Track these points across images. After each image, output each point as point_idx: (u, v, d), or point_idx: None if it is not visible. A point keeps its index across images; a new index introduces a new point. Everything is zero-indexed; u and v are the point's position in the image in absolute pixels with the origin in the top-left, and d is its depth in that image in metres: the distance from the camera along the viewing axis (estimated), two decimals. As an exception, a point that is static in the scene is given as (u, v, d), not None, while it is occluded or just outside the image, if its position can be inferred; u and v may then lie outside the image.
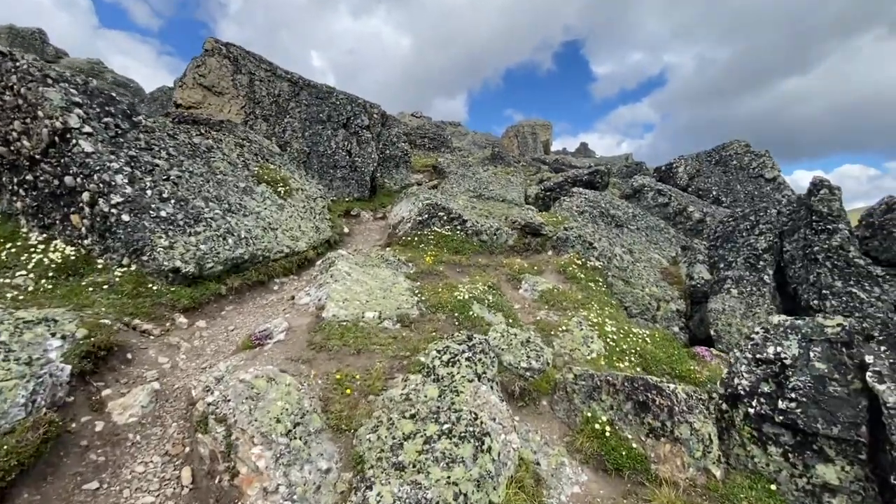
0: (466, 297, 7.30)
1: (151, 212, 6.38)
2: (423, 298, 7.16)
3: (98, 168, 6.13)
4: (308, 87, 15.05)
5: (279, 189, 9.52)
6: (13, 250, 6.08)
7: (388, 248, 9.93)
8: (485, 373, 5.05)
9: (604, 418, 5.14)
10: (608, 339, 7.15)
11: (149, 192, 6.52)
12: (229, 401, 3.90)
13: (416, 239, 10.03)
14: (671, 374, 6.78)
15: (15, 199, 6.39)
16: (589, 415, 5.24)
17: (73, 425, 3.92)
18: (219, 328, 6.20)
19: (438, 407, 4.24)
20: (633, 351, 7.08)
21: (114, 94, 7.14)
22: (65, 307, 5.45)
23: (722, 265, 11.10)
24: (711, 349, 8.41)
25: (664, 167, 26.20)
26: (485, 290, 7.89)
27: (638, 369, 6.72)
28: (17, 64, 6.00)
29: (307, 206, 10.07)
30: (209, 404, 3.90)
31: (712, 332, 9.35)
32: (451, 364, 4.96)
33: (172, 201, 6.75)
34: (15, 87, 6.00)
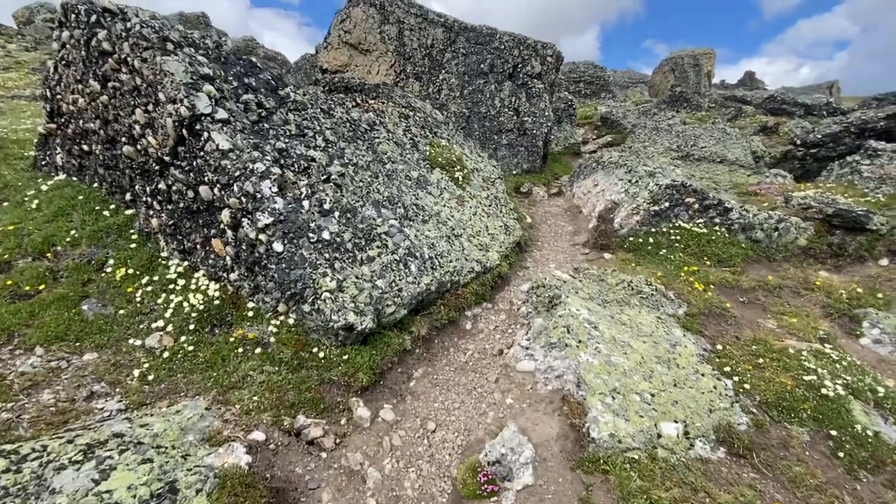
0: (830, 385, 3.90)
1: (311, 234, 4.23)
2: (740, 382, 3.98)
3: (238, 172, 4.10)
4: (465, 31, 12.06)
5: (456, 174, 6.95)
6: (150, 289, 4.50)
7: (607, 255, 6.81)
8: None
9: None
10: None
11: (305, 203, 4.37)
12: None
13: (650, 241, 6.69)
14: None
15: (151, 213, 4.82)
16: None
17: None
18: (413, 424, 3.92)
19: None
20: None
21: (254, 60, 5.07)
22: (205, 393, 3.64)
23: None
24: None
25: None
26: (834, 362, 4.37)
27: None
28: (129, 25, 4.13)
29: (490, 195, 7.38)
30: None
31: None
32: None
33: (336, 214, 4.54)
34: (129, 59, 4.18)
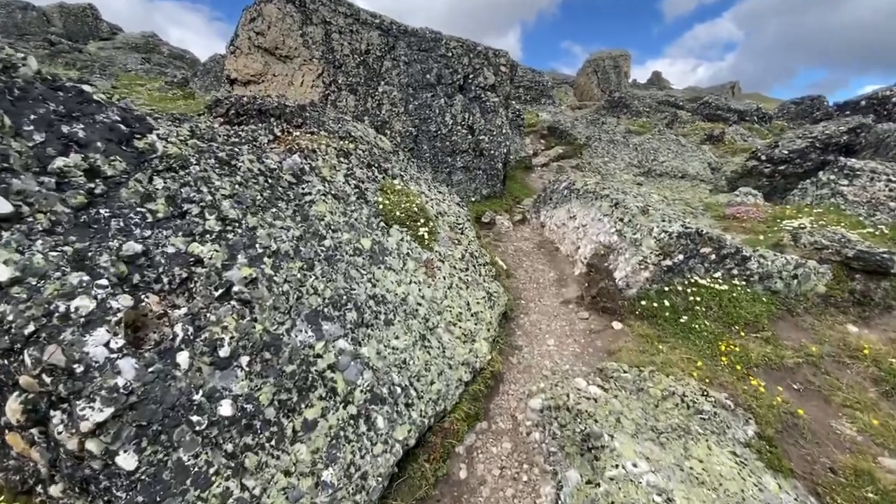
0: None
1: (195, 417, 2.32)
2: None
3: (32, 326, 2.09)
4: (405, 34, 10.29)
5: (420, 231, 5.21)
6: None
7: (616, 324, 5.42)
8: None
9: None
10: None
11: (182, 356, 2.43)
12: None
13: (665, 304, 5.39)
14: None
15: None
16: None
17: None
18: None
19: None
20: None
21: (87, 90, 2.99)
22: None
23: None
24: None
25: (868, 101, 18.81)
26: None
27: None
28: None
29: (463, 251, 5.73)
30: None
31: None
32: None
33: (244, 360, 2.65)
34: None
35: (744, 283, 5.69)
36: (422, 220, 5.31)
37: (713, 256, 5.62)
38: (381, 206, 4.99)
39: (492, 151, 10.31)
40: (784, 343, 5.16)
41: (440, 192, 7.15)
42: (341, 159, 5.15)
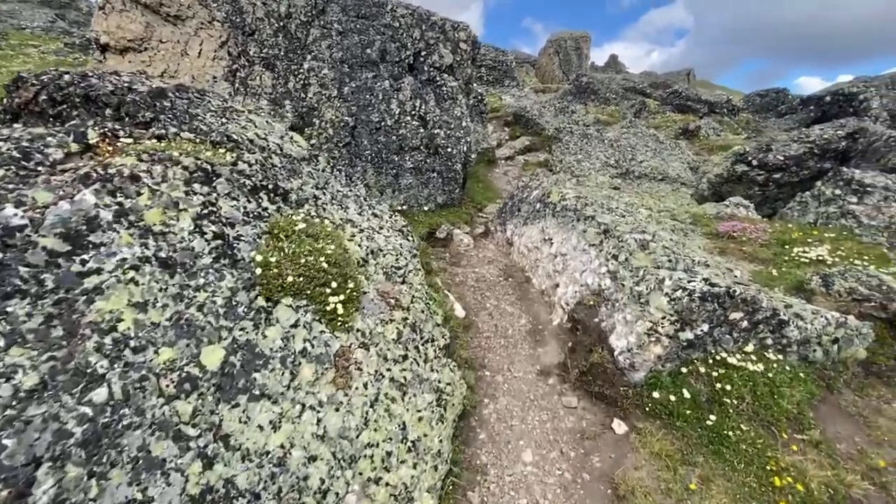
0: None
1: None
2: None
3: None
4: (340, -4, 8.06)
5: (330, 301, 3.30)
6: None
7: (618, 426, 3.82)
8: None
9: None
10: None
11: None
12: None
13: (685, 397, 3.84)
14: None
15: None
16: None
17: None
18: None
19: None
20: None
21: None
22: None
23: None
24: None
25: (833, 96, 18.36)
26: None
27: None
28: None
29: (404, 319, 3.87)
30: None
31: None
32: None
33: None
34: None
35: (779, 355, 4.25)
36: (336, 280, 3.40)
37: (744, 324, 4.11)
38: (261, 269, 3.04)
39: (449, 149, 8.41)
40: (839, 449, 3.76)
41: (376, 215, 5.22)
42: (196, 187, 3.11)
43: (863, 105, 16.36)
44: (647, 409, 3.85)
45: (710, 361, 4.02)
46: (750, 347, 4.13)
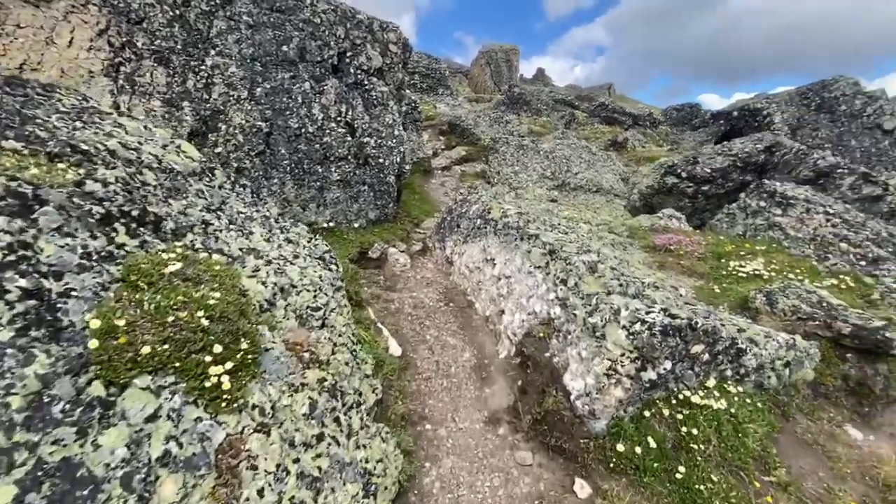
0: None
1: None
2: None
3: None
4: (250, -16, 7.05)
5: (212, 372, 2.42)
6: None
7: (580, 488, 3.27)
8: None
9: None
10: None
11: None
12: None
13: (651, 446, 3.40)
14: None
15: None
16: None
17: None
18: None
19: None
20: None
21: None
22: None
23: None
24: None
25: (740, 111, 19.98)
26: None
27: None
28: None
29: (317, 388, 3.06)
30: None
31: None
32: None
33: None
34: None
35: (738, 386, 3.97)
36: (222, 342, 2.53)
37: (705, 356, 3.78)
38: (99, 340, 2.11)
39: (381, 159, 7.65)
40: (807, 489, 3.50)
41: (290, 240, 4.34)
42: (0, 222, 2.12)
43: (766, 120, 17.90)
44: (611, 464, 3.35)
45: (674, 401, 3.63)
46: (711, 382, 3.80)
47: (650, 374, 3.53)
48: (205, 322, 2.54)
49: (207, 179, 4.10)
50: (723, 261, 6.78)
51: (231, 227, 3.82)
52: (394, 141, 7.78)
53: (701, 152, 9.71)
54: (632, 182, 12.23)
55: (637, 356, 3.55)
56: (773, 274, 6.00)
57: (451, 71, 47.83)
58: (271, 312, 3.27)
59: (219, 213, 3.84)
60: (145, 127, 4.16)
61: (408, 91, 14.20)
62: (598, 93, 51.69)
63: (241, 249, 3.63)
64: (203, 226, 3.50)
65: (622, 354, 3.58)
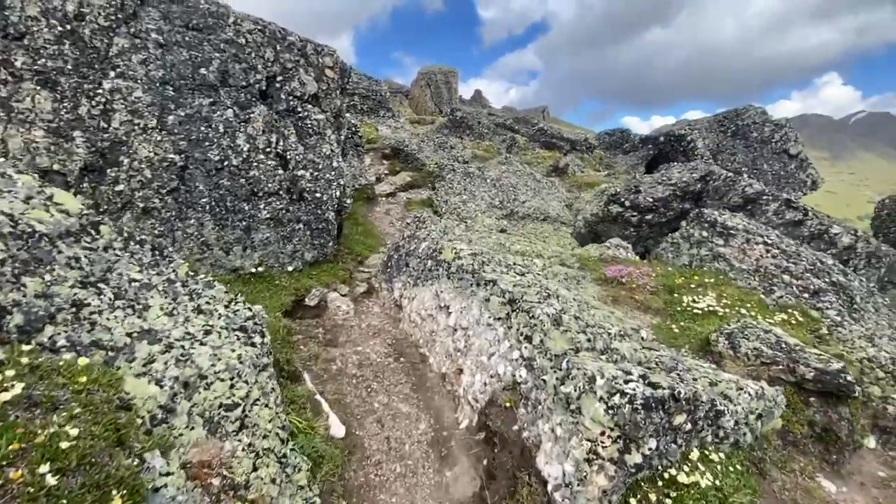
0: None
1: None
2: None
3: None
4: (160, -2, 6.16)
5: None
6: None
7: None
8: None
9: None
10: None
11: None
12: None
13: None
14: None
15: None
16: None
17: None
18: None
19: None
20: None
21: None
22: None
23: None
24: None
25: (666, 137, 21.28)
26: None
27: None
28: None
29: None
30: None
31: None
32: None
33: None
34: None
35: (719, 452, 3.67)
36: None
37: (687, 426, 3.44)
38: None
39: (318, 194, 6.92)
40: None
41: (201, 310, 3.52)
42: None
43: (690, 146, 19.13)
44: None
45: (660, 483, 3.23)
46: (695, 454, 3.46)
47: (635, 458, 3.11)
48: (51, 480, 1.74)
49: (88, 240, 3.23)
50: (675, 295, 6.72)
51: (118, 303, 2.97)
52: (332, 173, 7.08)
53: (641, 181, 9.91)
54: (575, 208, 12.33)
55: (619, 435, 3.13)
56: (726, 310, 5.97)
57: (392, 91, 47.81)
58: (168, 425, 2.49)
59: (101, 285, 2.99)
60: (2, 174, 3.23)
61: (348, 115, 13.56)
62: (534, 115, 53.80)
63: (129, 335, 2.81)
64: (73, 310, 2.66)
65: (602, 433, 3.14)
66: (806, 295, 6.28)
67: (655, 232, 9.52)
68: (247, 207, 6.38)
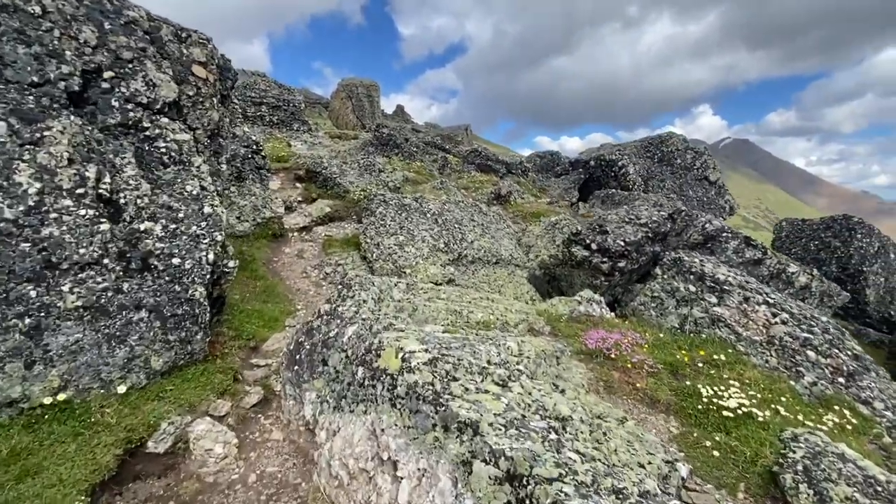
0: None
1: None
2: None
3: None
4: None
5: None
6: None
7: None
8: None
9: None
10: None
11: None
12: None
13: None
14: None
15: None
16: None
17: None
18: None
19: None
20: None
21: None
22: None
23: None
24: None
25: (597, 161, 20.97)
26: None
27: None
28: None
29: None
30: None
31: None
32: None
33: None
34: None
35: None
36: None
37: None
38: None
39: (177, 259, 4.35)
40: None
41: None
42: None
43: (622, 171, 18.85)
44: None
45: None
46: None
47: None
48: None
49: None
50: (685, 381, 5.17)
51: None
52: (202, 224, 4.56)
53: (606, 220, 8.55)
54: (526, 244, 10.77)
55: None
56: (765, 413, 4.48)
57: (310, 102, 44.39)
58: None
59: None
60: None
61: (246, 129, 10.77)
62: (457, 132, 53.40)
63: None
64: None
65: None
66: (841, 379, 5.05)
67: (625, 279, 8.16)
68: (34, 293, 3.66)
